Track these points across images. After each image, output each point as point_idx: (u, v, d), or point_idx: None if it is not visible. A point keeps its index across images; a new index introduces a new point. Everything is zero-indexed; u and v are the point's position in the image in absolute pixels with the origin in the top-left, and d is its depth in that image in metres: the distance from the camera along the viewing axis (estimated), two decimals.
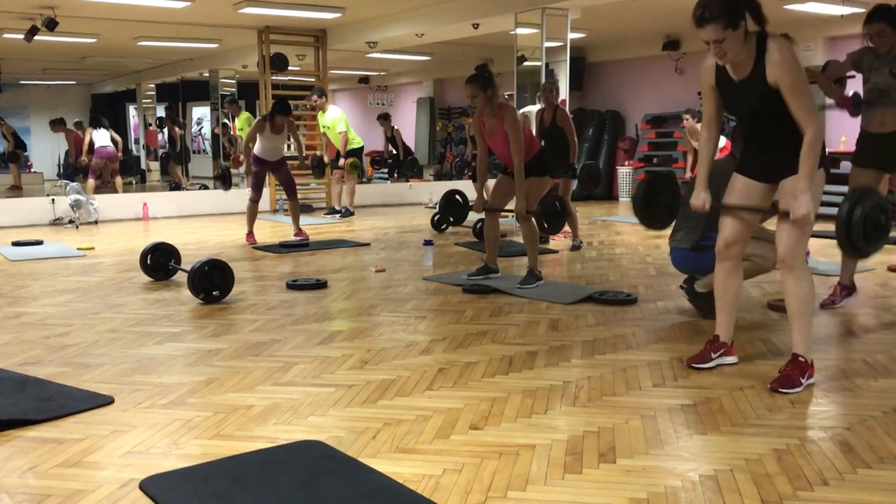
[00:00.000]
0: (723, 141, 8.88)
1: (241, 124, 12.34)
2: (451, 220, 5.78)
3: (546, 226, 5.19)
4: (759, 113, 3.18)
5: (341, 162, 10.06)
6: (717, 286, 3.53)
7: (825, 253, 6.76)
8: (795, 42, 3.90)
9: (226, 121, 14.83)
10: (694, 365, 3.49)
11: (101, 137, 11.62)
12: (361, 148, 10.86)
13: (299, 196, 8.36)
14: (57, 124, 15.26)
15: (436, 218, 8.91)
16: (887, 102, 4.40)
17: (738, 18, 2.99)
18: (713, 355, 3.51)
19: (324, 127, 10.23)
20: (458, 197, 5.85)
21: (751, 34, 3.06)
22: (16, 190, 14.83)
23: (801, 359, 3.22)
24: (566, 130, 7.11)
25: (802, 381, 3.18)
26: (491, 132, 5.29)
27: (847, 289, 4.73)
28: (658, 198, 3.63)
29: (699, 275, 4.47)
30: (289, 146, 11.56)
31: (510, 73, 9.44)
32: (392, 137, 14.25)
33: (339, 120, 10.06)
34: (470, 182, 12.36)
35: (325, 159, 10.53)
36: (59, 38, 10.66)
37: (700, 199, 3.43)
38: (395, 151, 14.59)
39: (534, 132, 7.31)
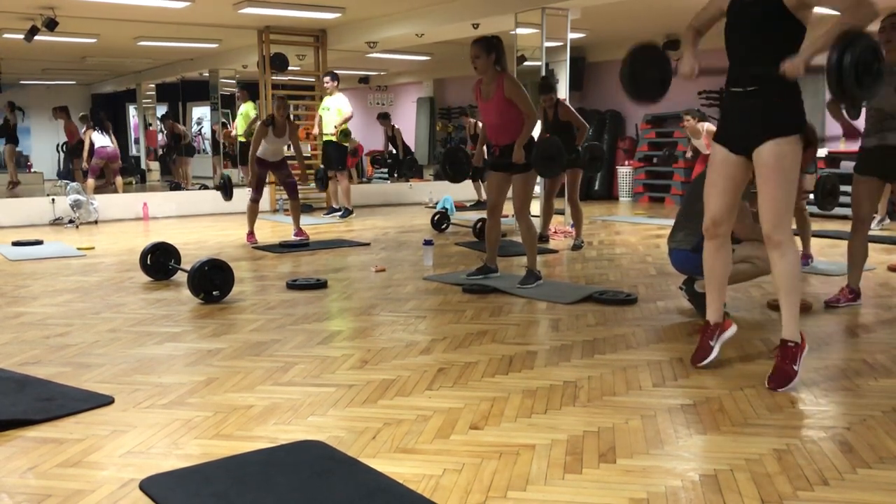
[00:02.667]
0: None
1: (245, 110, 12.49)
2: (452, 174, 5.75)
3: (539, 167, 5.12)
4: (760, 34, 3.10)
5: (332, 130, 9.99)
6: (705, 265, 3.48)
7: (825, 253, 6.76)
8: None
9: (224, 121, 14.86)
10: (699, 364, 3.49)
11: (102, 139, 11.60)
12: (355, 149, 10.86)
13: (300, 195, 8.36)
14: (59, 111, 15.26)
15: (436, 218, 8.91)
16: (892, 123, 4.46)
17: None
18: (711, 343, 3.49)
19: (324, 108, 10.21)
20: (461, 154, 5.83)
21: None
22: (14, 185, 14.77)
23: (790, 344, 3.21)
24: (572, 121, 7.08)
25: (796, 367, 3.18)
26: (486, 98, 5.25)
27: (854, 293, 4.73)
28: (645, 73, 3.39)
29: (699, 276, 4.46)
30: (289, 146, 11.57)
31: (510, 73, 9.40)
32: (392, 137, 14.24)
33: (345, 106, 10.06)
34: (470, 182, 12.37)
35: (316, 130, 10.55)
36: (59, 38, 10.66)
37: (688, 64, 3.30)
38: (394, 151, 14.59)
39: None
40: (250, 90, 13.29)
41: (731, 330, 3.55)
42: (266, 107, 10.95)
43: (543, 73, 8.60)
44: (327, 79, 10.18)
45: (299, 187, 8.18)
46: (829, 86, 2.88)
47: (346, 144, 10.30)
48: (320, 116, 10.34)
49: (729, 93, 3.31)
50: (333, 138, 10.07)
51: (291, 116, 8.12)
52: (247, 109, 12.99)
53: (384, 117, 14.30)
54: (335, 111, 10.03)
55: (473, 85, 5.39)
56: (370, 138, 17.15)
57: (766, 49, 3.10)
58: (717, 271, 3.47)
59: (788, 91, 3.13)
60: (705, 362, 3.48)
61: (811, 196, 5.93)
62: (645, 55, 3.41)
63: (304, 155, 9.67)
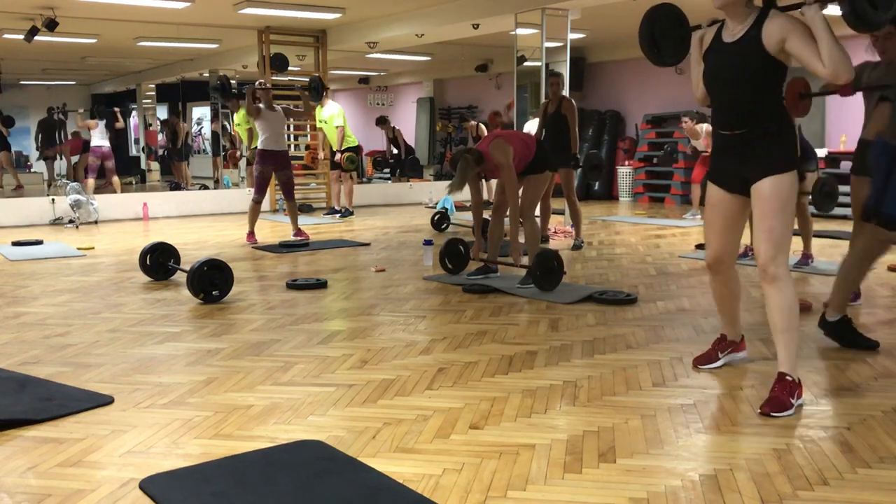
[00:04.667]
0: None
1: (239, 119, 12.44)
2: (451, 268, 5.80)
3: (542, 279, 5.15)
4: (743, 79, 3.04)
5: (337, 157, 10.06)
6: (714, 296, 3.50)
7: (825, 253, 6.76)
8: None
9: (226, 114, 14.85)
10: (700, 366, 3.49)
11: (99, 135, 11.60)
12: (358, 147, 10.87)
13: (299, 196, 8.39)
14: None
15: (436, 218, 8.91)
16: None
17: None
18: (720, 355, 3.51)
19: (321, 122, 10.24)
20: (460, 247, 5.86)
21: (754, 5, 3.02)
22: (17, 189, 14.85)
23: (788, 377, 3.00)
24: (569, 119, 7.06)
25: (793, 401, 2.96)
26: (492, 172, 5.43)
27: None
28: (665, 31, 3.32)
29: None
30: (294, 145, 11.61)
31: (510, 73, 9.40)
32: (394, 138, 14.24)
33: (337, 115, 10.08)
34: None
35: (321, 156, 10.63)
36: (59, 38, 10.66)
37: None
38: (396, 151, 14.59)
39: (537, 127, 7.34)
40: (242, 96, 13.28)
41: (742, 354, 3.56)
42: None
43: (544, 74, 8.62)
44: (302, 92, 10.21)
45: (298, 185, 8.20)
46: (842, 13, 2.74)
47: (353, 167, 10.38)
48: (322, 131, 10.42)
49: (718, 135, 3.23)
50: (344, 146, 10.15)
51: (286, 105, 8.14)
52: (240, 119, 12.87)
53: (382, 121, 14.29)
54: (331, 121, 10.07)
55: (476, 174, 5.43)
56: (371, 139, 17.16)
57: (752, 91, 3.04)
58: (726, 299, 3.46)
59: (780, 129, 3.06)
60: (706, 367, 3.49)
61: (810, 197, 5.93)
62: (661, 15, 3.33)
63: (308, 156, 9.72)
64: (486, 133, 10.23)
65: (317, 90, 8.71)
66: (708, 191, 3.35)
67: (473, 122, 11.90)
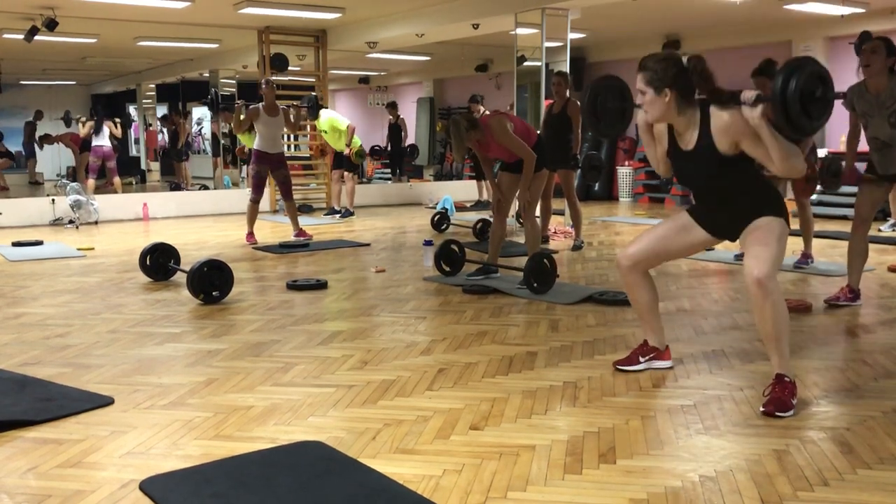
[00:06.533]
0: None
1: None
2: (447, 270, 5.80)
3: (535, 284, 5.14)
4: (714, 180, 3.11)
5: (346, 151, 10.03)
6: (630, 297, 3.49)
7: (825, 253, 6.76)
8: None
9: (224, 128, 14.89)
10: (619, 367, 3.48)
11: (99, 137, 11.62)
12: (360, 148, 10.88)
13: (299, 196, 8.38)
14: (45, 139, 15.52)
15: (436, 218, 8.91)
16: (891, 152, 4.53)
17: (663, 85, 2.98)
18: (641, 359, 3.48)
19: (321, 132, 10.25)
20: (454, 247, 5.86)
21: (693, 104, 3.03)
22: (3, 191, 14.83)
23: (786, 378, 3.01)
24: (573, 121, 7.04)
25: (794, 401, 2.97)
26: (486, 146, 5.43)
27: (854, 293, 4.73)
28: (606, 105, 3.33)
29: None
30: (293, 146, 11.61)
31: (510, 73, 9.39)
32: (396, 124, 14.15)
33: (335, 119, 10.06)
34: (472, 182, 12.41)
35: (327, 159, 10.68)
36: (59, 38, 10.67)
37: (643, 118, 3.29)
38: (391, 146, 14.50)
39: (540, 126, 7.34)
40: (231, 109, 13.32)
41: (666, 363, 3.51)
42: None
43: (544, 74, 8.62)
44: (296, 102, 10.14)
45: (298, 186, 8.19)
46: (775, 116, 2.79)
47: (362, 160, 10.43)
48: (323, 138, 10.48)
49: (698, 199, 3.32)
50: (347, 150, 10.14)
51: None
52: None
53: (392, 106, 14.29)
54: (331, 130, 10.04)
55: (472, 144, 5.41)
56: (370, 137, 17.15)
57: (723, 181, 3.08)
58: (642, 301, 3.43)
59: (761, 192, 3.10)
60: (626, 368, 3.46)
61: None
62: (603, 89, 3.34)
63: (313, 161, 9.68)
64: None
65: (314, 109, 8.69)
66: (680, 215, 3.34)
67: (481, 107, 11.68)
